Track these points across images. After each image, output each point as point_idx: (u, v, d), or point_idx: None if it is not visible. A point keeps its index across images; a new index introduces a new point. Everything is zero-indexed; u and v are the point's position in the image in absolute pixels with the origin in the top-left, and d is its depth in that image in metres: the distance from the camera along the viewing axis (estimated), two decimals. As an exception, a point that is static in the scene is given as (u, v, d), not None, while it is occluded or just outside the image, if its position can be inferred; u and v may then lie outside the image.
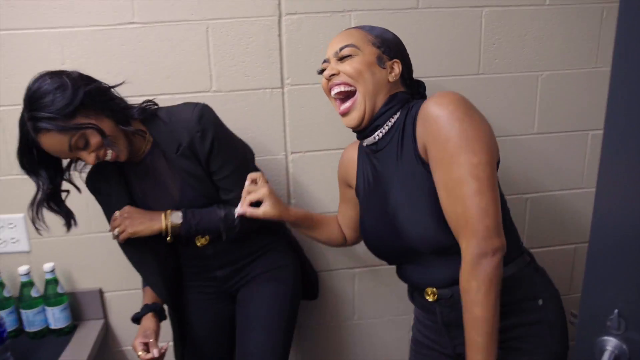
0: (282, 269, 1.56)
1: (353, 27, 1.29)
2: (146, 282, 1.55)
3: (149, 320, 1.45)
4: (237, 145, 1.44)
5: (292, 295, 1.56)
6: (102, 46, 1.57)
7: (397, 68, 1.23)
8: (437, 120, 1.07)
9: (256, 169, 1.47)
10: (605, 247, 0.94)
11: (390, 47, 1.24)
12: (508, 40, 1.72)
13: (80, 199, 1.65)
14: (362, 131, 1.25)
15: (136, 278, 1.70)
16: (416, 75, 1.56)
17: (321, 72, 1.27)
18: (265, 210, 1.32)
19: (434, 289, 1.22)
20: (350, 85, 1.20)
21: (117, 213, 1.40)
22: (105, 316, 1.76)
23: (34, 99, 1.18)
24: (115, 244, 1.69)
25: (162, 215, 1.38)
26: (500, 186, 1.16)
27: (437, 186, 1.09)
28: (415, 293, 1.31)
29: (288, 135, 1.71)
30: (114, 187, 1.41)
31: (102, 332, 1.70)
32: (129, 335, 1.78)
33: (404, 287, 1.83)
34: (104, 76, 1.56)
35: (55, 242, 1.69)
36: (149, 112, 1.34)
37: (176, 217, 1.37)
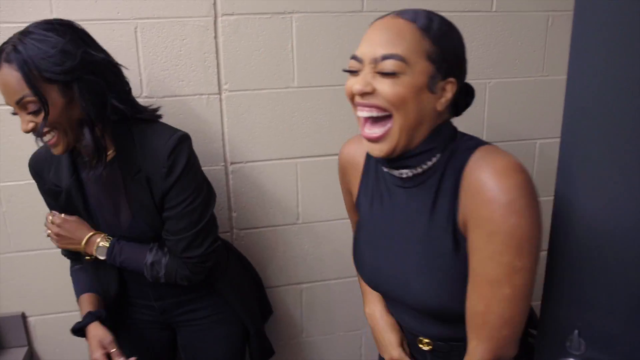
0: (228, 311, 1.43)
1: (401, 17, 0.91)
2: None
3: (98, 329, 1.26)
4: (199, 187, 1.23)
5: (242, 335, 1.47)
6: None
7: (451, 91, 0.91)
8: (490, 203, 0.85)
9: (213, 215, 1.29)
10: (563, 267, 0.92)
11: (448, 60, 0.90)
12: (456, 46, 1.66)
13: (-5, 215, 1.51)
14: (388, 161, 0.98)
15: (63, 299, 1.58)
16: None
17: (349, 71, 0.94)
18: None
19: (430, 340, 1.07)
20: (386, 111, 0.90)
21: (49, 217, 1.28)
22: (29, 343, 1.61)
23: (33, 34, 1.04)
24: (37, 263, 1.56)
25: (90, 239, 1.26)
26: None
27: (469, 271, 0.92)
28: (407, 338, 1.15)
29: (227, 145, 1.60)
30: (65, 182, 1.24)
31: (25, 361, 1.55)
32: (56, 362, 1.64)
33: (353, 301, 1.78)
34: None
35: (-32, 263, 1.53)
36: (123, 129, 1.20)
37: (101, 252, 1.26)
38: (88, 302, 1.32)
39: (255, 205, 1.67)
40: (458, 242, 0.93)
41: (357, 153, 1.12)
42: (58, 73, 1.04)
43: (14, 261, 1.55)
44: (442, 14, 1.59)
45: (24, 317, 1.59)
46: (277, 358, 1.83)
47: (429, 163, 0.95)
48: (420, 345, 1.08)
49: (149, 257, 1.25)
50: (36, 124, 1.07)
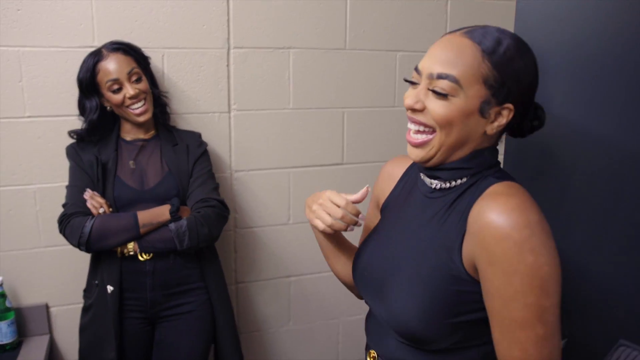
0: (208, 309, 1.66)
1: (468, 36, 0.90)
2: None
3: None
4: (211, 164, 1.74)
5: (212, 336, 1.69)
6: (61, 67, 1.66)
7: (506, 117, 0.91)
8: (503, 241, 0.82)
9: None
10: None
11: (508, 86, 0.89)
12: (417, 80, 2.07)
13: (30, 213, 1.70)
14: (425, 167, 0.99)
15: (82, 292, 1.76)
16: (342, 105, 1.88)
17: (409, 81, 0.95)
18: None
19: (376, 355, 1.05)
20: (431, 127, 0.92)
21: (99, 200, 1.52)
22: (50, 331, 1.76)
23: (124, 43, 1.58)
24: (63, 258, 1.74)
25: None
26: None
27: (489, 313, 0.87)
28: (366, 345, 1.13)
29: (233, 155, 1.89)
30: (107, 155, 1.58)
31: (48, 348, 1.70)
32: (73, 351, 1.79)
33: (334, 293, 2.08)
34: (62, 95, 1.67)
35: (1, 257, 1.69)
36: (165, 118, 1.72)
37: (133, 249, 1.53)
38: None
39: (254, 207, 1.96)
40: (454, 268, 0.90)
41: (397, 168, 1.15)
42: (148, 63, 1.65)
43: (43, 256, 1.73)
44: (406, 52, 2.03)
45: (47, 307, 1.76)
46: (268, 344, 2.09)
47: (459, 181, 0.95)
48: (368, 358, 1.08)
49: (173, 228, 1.51)
50: (138, 91, 1.54)
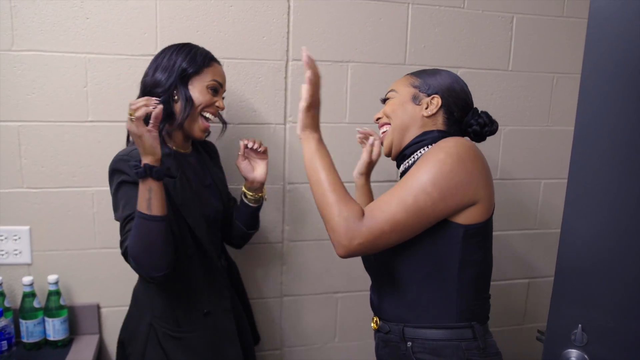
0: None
1: (409, 73, 1.41)
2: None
3: None
4: None
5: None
6: (125, 73, 1.70)
7: (436, 102, 1.30)
8: (423, 157, 1.19)
9: None
10: (569, 271, 1.12)
11: (430, 85, 1.32)
12: (475, 101, 2.00)
13: (88, 214, 1.74)
14: (396, 161, 1.39)
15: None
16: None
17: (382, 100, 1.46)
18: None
19: (377, 319, 1.38)
20: (388, 123, 1.36)
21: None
22: (100, 331, 1.80)
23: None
24: (116, 260, 1.77)
25: None
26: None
27: None
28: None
29: (287, 167, 1.88)
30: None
31: (97, 347, 1.74)
32: (120, 351, 1.83)
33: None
34: (124, 101, 1.70)
35: (57, 256, 1.74)
36: None
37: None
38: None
39: (305, 220, 1.94)
40: None
41: None
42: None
43: (97, 257, 1.77)
44: (466, 70, 1.96)
45: (98, 307, 1.80)
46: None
47: (419, 153, 1.30)
48: (372, 324, 1.40)
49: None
50: (223, 105, 1.52)
